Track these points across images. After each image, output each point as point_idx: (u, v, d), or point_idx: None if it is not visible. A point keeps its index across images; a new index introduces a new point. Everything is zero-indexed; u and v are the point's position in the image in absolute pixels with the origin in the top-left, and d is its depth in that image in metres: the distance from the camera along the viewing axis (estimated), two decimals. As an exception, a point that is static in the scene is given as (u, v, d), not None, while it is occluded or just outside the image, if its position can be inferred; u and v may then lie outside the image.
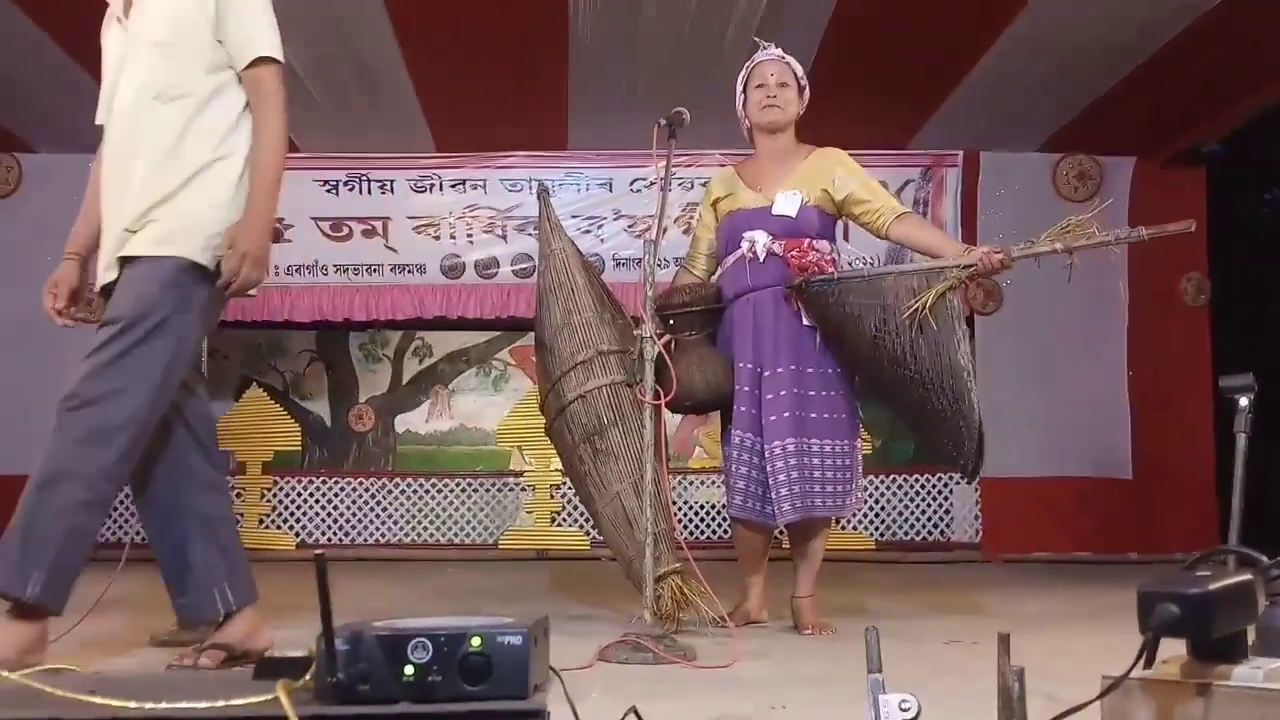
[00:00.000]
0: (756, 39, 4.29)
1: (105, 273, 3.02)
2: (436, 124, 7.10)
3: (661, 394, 3.55)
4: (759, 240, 3.96)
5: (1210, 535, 6.70)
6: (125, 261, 2.94)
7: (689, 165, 7.04)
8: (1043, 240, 3.69)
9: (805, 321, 3.93)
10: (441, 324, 7.88)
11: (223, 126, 3.02)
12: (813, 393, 3.91)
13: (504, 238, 7.60)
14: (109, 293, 2.99)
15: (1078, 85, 6.46)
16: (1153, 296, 7.42)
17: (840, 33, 5.75)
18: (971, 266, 3.68)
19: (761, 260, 3.96)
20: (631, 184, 7.61)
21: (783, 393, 3.88)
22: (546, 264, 4.15)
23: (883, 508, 7.60)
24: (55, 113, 6.61)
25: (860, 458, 4.05)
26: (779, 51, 4.16)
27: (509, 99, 6.62)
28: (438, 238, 7.62)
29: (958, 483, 7.56)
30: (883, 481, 7.63)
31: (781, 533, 4.21)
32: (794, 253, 3.92)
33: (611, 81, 6.39)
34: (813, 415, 3.90)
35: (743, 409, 3.93)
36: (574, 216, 7.63)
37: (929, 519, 7.60)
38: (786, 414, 3.87)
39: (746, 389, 3.92)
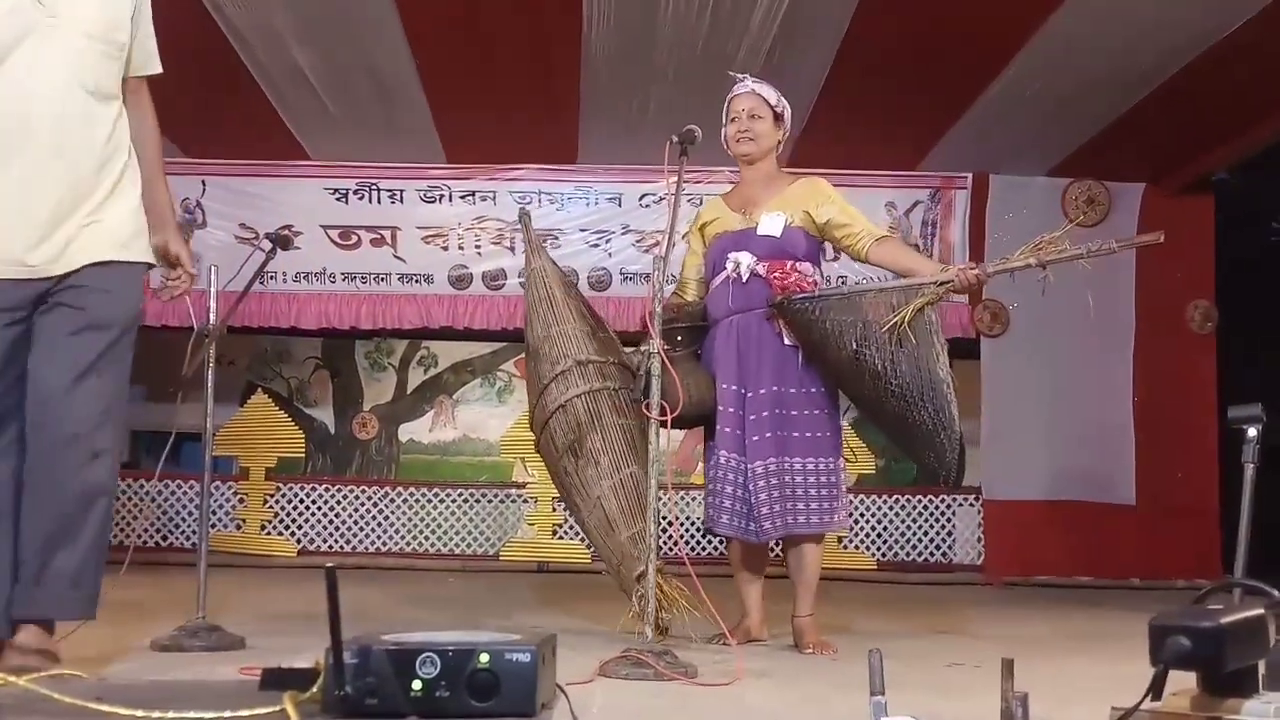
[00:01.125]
0: (731, 72, 4.33)
1: (45, 260, 2.83)
2: (447, 135, 7.11)
3: (668, 409, 3.55)
4: (744, 261, 4.01)
5: (1213, 564, 6.69)
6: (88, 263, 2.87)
7: (699, 182, 7.06)
8: (1017, 256, 3.79)
9: (787, 342, 3.99)
10: (447, 334, 7.89)
11: (127, 129, 3.03)
12: (794, 412, 3.96)
13: (512, 249, 7.60)
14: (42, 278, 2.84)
15: (1089, 111, 6.46)
16: (1159, 323, 7.43)
17: (852, 54, 5.76)
18: (948, 283, 3.76)
19: (745, 281, 4.01)
20: (640, 199, 7.62)
21: (765, 413, 3.94)
22: (529, 281, 4.27)
23: (885, 528, 7.59)
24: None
25: (844, 475, 4.09)
26: (752, 84, 4.21)
27: (520, 111, 6.64)
28: (446, 248, 7.62)
29: (960, 504, 7.56)
30: (885, 502, 7.62)
31: (778, 554, 4.23)
32: (777, 274, 3.99)
33: (623, 97, 6.41)
34: (794, 434, 3.95)
35: (727, 429, 3.98)
36: (582, 230, 7.65)
37: (931, 540, 7.59)
38: (768, 434, 3.92)
39: (730, 410, 3.98)
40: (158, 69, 3.12)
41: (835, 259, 4.41)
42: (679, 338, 4.07)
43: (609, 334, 4.25)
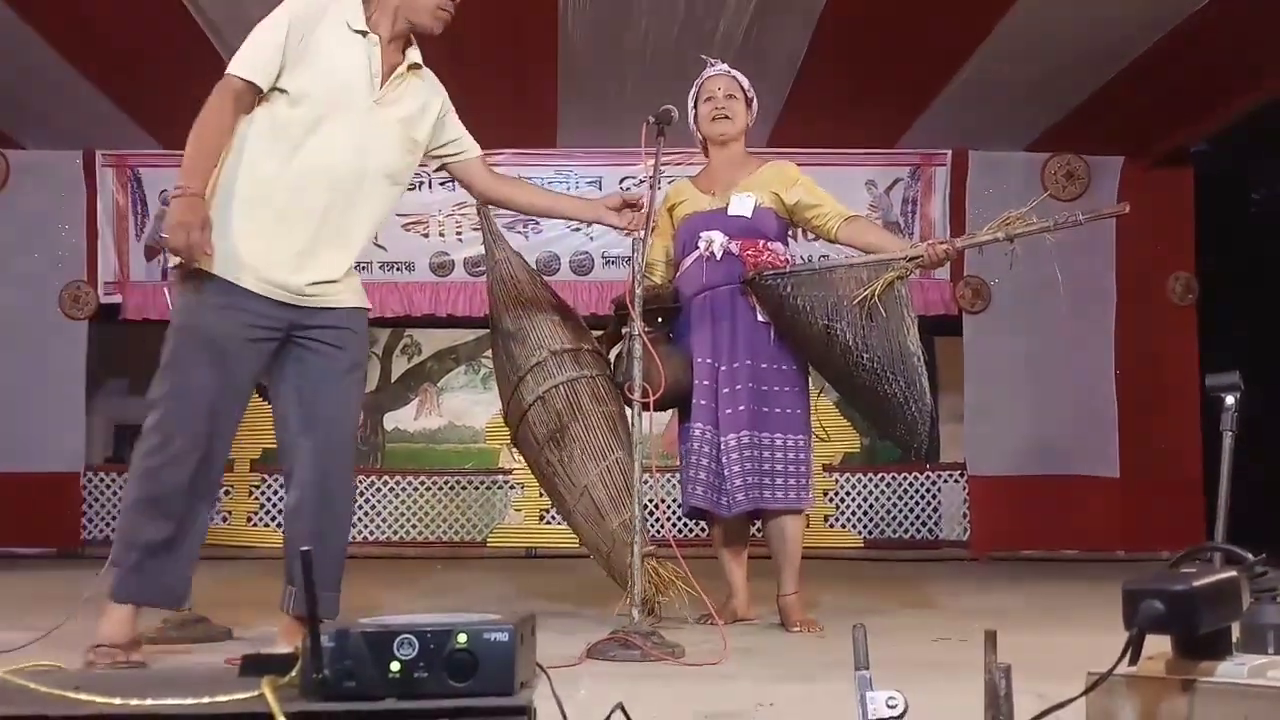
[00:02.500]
0: (704, 56, 4.36)
1: (311, 292, 3.16)
2: (425, 121, 7.08)
3: (650, 391, 3.57)
4: (716, 240, 4.04)
5: (1197, 533, 6.71)
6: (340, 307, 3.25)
7: (678, 163, 7.05)
8: (985, 231, 3.84)
9: (760, 317, 4.02)
10: (430, 322, 7.88)
11: (392, 211, 3.48)
12: (766, 388, 3.99)
13: (493, 235, 7.58)
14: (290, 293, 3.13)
15: (1066, 85, 6.47)
16: (1140, 295, 7.47)
17: (829, 33, 5.76)
18: (918, 257, 3.80)
19: (719, 259, 4.04)
20: (621, 182, 7.60)
21: (739, 387, 3.96)
22: (493, 275, 4.23)
23: (871, 506, 7.62)
24: (44, 110, 6.59)
25: (812, 454, 4.11)
26: (725, 66, 4.26)
27: (498, 96, 6.60)
28: (426, 235, 7.61)
29: (946, 481, 7.59)
30: (871, 480, 7.65)
31: (759, 530, 4.23)
32: (749, 252, 4.01)
33: (600, 79, 6.40)
34: (770, 410, 3.98)
35: (701, 403, 4.00)
36: (563, 214, 7.63)
37: (917, 517, 7.63)
38: (742, 408, 3.95)
39: (705, 383, 4.00)
40: (479, 151, 3.61)
41: (815, 239, 4.43)
42: (659, 319, 4.08)
43: (578, 321, 4.25)
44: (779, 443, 3.96)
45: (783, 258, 4.07)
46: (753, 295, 4.00)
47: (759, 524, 4.16)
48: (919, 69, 6.27)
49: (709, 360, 4.00)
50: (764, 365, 3.99)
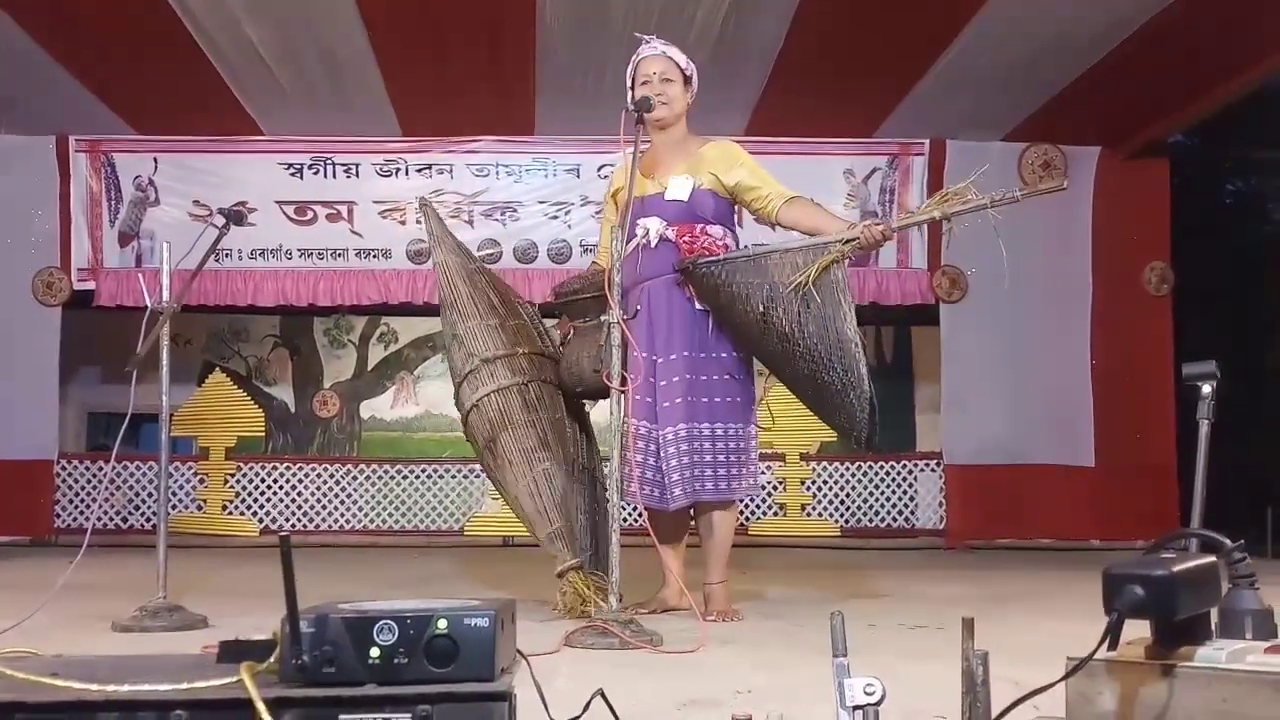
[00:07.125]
0: (638, 34, 4.21)
1: None
2: (402, 108, 7.06)
3: (629, 380, 3.54)
4: (652, 227, 3.96)
5: (1171, 522, 6.77)
6: None
7: (656, 151, 7.06)
8: (921, 209, 3.82)
9: (698, 306, 3.94)
10: (407, 309, 7.86)
11: None
12: (705, 377, 3.92)
13: (470, 223, 7.58)
14: None
15: (1044, 76, 6.50)
16: (1116, 286, 7.51)
17: (808, 21, 5.76)
18: (853, 240, 3.71)
19: (654, 247, 3.96)
20: (599, 170, 7.59)
21: (675, 379, 3.90)
22: (437, 278, 4.11)
23: (848, 495, 7.64)
24: (17, 95, 6.52)
25: (755, 441, 4.04)
26: (661, 45, 4.10)
27: (476, 83, 6.60)
28: (403, 222, 7.59)
29: (922, 470, 7.62)
30: (848, 469, 7.67)
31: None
32: (685, 238, 3.94)
33: (579, 67, 6.38)
34: (705, 400, 3.91)
35: (638, 397, 3.89)
36: (541, 202, 7.63)
37: (894, 506, 7.65)
38: (679, 400, 3.89)
39: (644, 378, 3.90)
40: None
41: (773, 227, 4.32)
42: (576, 310, 3.97)
43: (522, 319, 4.14)
44: (717, 432, 3.90)
45: (721, 242, 3.97)
46: (689, 284, 3.93)
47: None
48: (897, 58, 6.28)
49: (645, 354, 3.90)
50: (702, 355, 3.92)
